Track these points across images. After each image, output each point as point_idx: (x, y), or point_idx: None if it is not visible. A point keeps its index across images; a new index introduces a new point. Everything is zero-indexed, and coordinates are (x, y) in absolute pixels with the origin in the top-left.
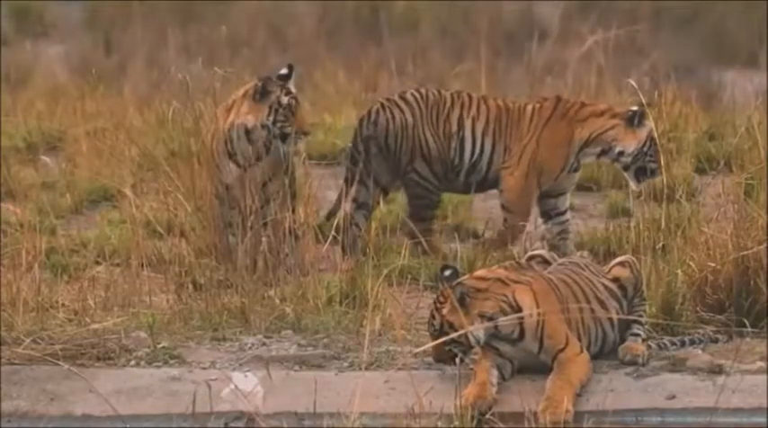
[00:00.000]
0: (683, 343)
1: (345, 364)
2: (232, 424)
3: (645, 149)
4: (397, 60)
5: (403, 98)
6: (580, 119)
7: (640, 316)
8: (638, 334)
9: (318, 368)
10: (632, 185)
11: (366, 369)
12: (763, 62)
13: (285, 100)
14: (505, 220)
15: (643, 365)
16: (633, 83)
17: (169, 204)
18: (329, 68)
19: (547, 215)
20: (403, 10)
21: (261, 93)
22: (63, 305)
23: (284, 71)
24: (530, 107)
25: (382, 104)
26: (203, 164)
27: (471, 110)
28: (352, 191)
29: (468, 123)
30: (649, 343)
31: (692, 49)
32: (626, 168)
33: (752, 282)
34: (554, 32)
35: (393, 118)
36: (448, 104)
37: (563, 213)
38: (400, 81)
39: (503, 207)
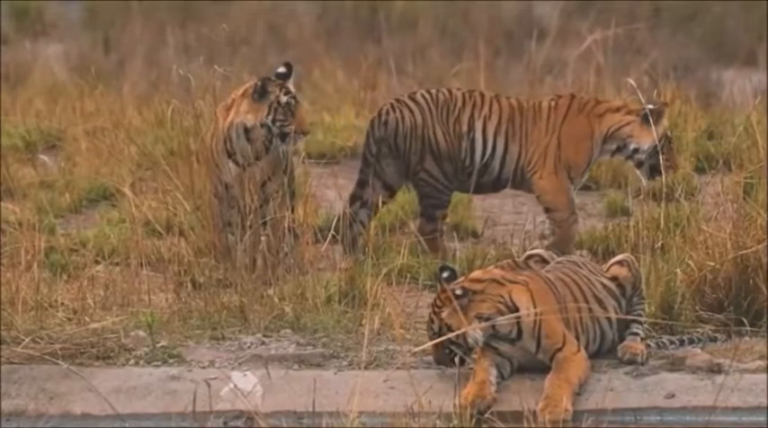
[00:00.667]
0: (681, 342)
1: (344, 363)
2: (231, 423)
3: (659, 147)
4: (396, 59)
5: (413, 98)
6: (597, 114)
7: (639, 315)
8: (636, 333)
9: (317, 367)
10: (643, 183)
11: (365, 368)
12: (761, 61)
13: (284, 99)
14: (554, 221)
15: (642, 364)
16: (632, 82)
17: (168, 203)
18: (328, 67)
19: None
20: (402, 9)
21: (259, 93)
22: (62, 304)
23: (282, 70)
24: (545, 104)
25: (392, 105)
26: (202, 164)
27: (483, 109)
28: (363, 191)
29: (479, 123)
30: (648, 342)
31: (691, 47)
32: (639, 165)
33: (751, 281)
34: (553, 31)
35: (403, 118)
36: (459, 104)
37: None
38: (399, 80)
39: (546, 210)
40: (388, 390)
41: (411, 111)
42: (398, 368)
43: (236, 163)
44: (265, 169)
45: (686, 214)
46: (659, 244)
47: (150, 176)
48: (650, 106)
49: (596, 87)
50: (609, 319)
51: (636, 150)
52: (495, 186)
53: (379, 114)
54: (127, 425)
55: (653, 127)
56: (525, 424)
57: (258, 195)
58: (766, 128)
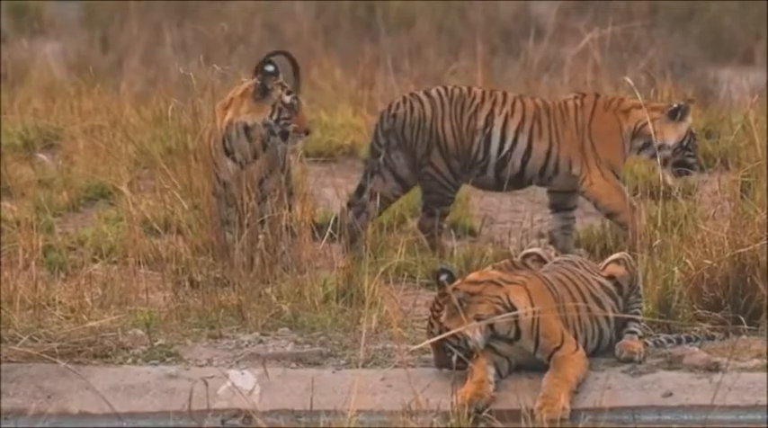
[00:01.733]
0: (679, 341)
1: (342, 362)
2: (229, 422)
3: (684, 144)
4: (393, 58)
5: (426, 93)
6: (623, 110)
7: (636, 313)
8: (634, 332)
9: (315, 365)
10: (668, 181)
11: (363, 366)
12: (759, 59)
13: (287, 99)
14: (619, 224)
15: (640, 363)
16: (629, 80)
17: (166, 202)
18: (326, 66)
19: (554, 207)
20: (399, 7)
21: (261, 92)
22: (60, 302)
23: (270, 68)
24: (570, 103)
25: (404, 98)
26: (200, 162)
27: (504, 107)
28: (370, 182)
29: (498, 119)
30: (646, 340)
31: (688, 46)
32: (664, 163)
33: (748, 280)
34: (550, 30)
35: (412, 110)
36: (477, 101)
37: (570, 209)
38: (396, 78)
39: (607, 215)
40: (386, 389)
41: (421, 103)
42: (396, 366)
43: (235, 161)
44: (263, 167)
45: (684, 213)
46: (657, 242)
47: (148, 175)
48: (675, 103)
49: (594, 86)
50: (606, 318)
51: (661, 147)
52: (519, 183)
53: (389, 107)
54: (124, 424)
55: (679, 123)
56: (523, 423)
57: (256, 193)
58: (764, 126)
